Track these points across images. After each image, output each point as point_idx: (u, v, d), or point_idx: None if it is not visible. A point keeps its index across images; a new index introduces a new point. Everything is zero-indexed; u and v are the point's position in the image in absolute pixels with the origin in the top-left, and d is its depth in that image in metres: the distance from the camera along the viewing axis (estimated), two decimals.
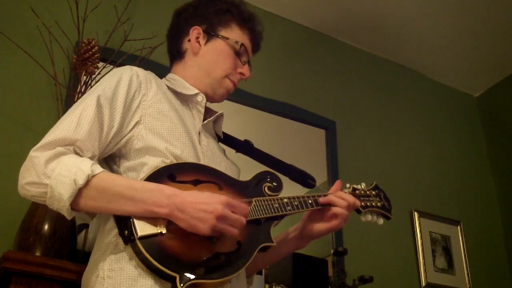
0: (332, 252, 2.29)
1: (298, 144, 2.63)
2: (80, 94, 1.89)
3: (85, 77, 1.91)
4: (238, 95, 2.51)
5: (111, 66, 2.03)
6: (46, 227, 1.59)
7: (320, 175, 2.53)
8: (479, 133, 3.36)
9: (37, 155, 1.07)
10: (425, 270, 2.65)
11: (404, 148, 3.00)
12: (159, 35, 2.28)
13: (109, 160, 1.23)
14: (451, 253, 2.80)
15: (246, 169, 1.47)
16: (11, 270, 1.48)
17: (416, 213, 2.78)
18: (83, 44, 1.90)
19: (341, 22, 2.96)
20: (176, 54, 1.46)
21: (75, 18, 2.04)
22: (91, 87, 1.91)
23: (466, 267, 2.79)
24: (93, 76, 1.93)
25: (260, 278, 1.86)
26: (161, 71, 2.32)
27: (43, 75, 2.00)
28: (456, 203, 2.98)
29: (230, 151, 1.53)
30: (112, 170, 1.22)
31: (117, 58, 2.07)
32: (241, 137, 1.56)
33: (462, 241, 2.86)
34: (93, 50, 1.87)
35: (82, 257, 1.78)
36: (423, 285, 2.62)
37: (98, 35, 2.10)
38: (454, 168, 3.12)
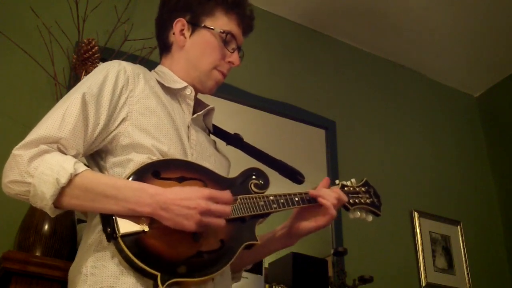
0: (332, 252, 2.29)
1: (298, 144, 2.63)
2: None
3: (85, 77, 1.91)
4: (238, 95, 2.52)
5: None
6: (46, 227, 1.59)
7: (320, 175, 2.53)
8: (479, 133, 3.36)
9: (20, 154, 1.07)
10: (425, 270, 2.65)
11: (404, 148, 3.00)
12: None
13: (96, 156, 1.22)
14: (451, 253, 2.80)
15: (237, 163, 1.46)
16: (11, 270, 1.48)
17: (416, 213, 2.78)
18: (83, 44, 1.90)
19: (341, 22, 2.96)
20: (163, 46, 1.44)
21: (75, 18, 2.04)
22: None
23: (466, 267, 2.79)
24: None
25: (260, 278, 1.86)
26: None
27: (43, 75, 2.00)
28: (456, 203, 2.98)
29: (221, 143, 1.52)
30: (98, 165, 1.21)
31: (117, 58, 2.07)
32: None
33: (462, 241, 2.86)
34: (93, 50, 1.87)
35: None
36: (423, 285, 2.62)
37: (98, 35, 2.10)
38: (454, 168, 3.12)
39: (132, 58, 2.12)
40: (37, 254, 1.56)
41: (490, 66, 3.24)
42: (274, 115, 2.62)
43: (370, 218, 1.47)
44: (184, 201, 1.05)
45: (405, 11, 2.89)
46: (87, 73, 1.88)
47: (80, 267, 1.10)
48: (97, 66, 1.90)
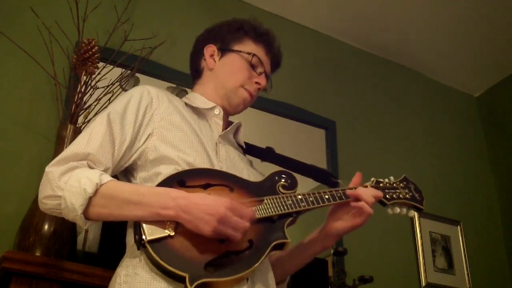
0: (332, 252, 2.29)
1: (298, 144, 2.63)
2: (80, 94, 1.89)
3: (85, 77, 1.91)
4: None
5: (111, 66, 2.03)
6: (46, 227, 1.59)
7: None
8: (479, 133, 3.36)
9: (51, 170, 1.14)
10: (425, 270, 2.65)
11: (404, 148, 3.00)
12: (159, 35, 2.29)
13: (127, 173, 1.28)
14: (451, 253, 2.80)
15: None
16: (11, 270, 1.48)
17: (416, 213, 2.78)
18: (83, 44, 1.89)
19: (341, 22, 2.96)
20: (195, 74, 1.51)
21: (75, 18, 2.04)
22: (91, 87, 1.92)
23: (466, 267, 2.79)
24: (93, 76, 1.93)
25: None
26: (161, 71, 2.33)
27: (43, 75, 2.00)
28: (456, 203, 2.98)
29: (256, 161, 1.55)
30: (130, 182, 1.27)
31: (117, 58, 2.07)
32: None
33: (462, 241, 2.86)
34: (93, 50, 1.87)
35: (82, 257, 1.78)
36: (423, 285, 2.62)
37: (98, 35, 2.10)
38: (454, 168, 3.11)
39: (132, 58, 2.12)
40: (37, 254, 1.56)
41: (490, 66, 3.24)
42: (274, 115, 2.62)
43: (411, 213, 1.46)
44: (205, 207, 1.09)
45: (406, 12, 2.88)
46: (87, 73, 1.88)
47: (116, 277, 1.15)
48: (97, 66, 1.92)
